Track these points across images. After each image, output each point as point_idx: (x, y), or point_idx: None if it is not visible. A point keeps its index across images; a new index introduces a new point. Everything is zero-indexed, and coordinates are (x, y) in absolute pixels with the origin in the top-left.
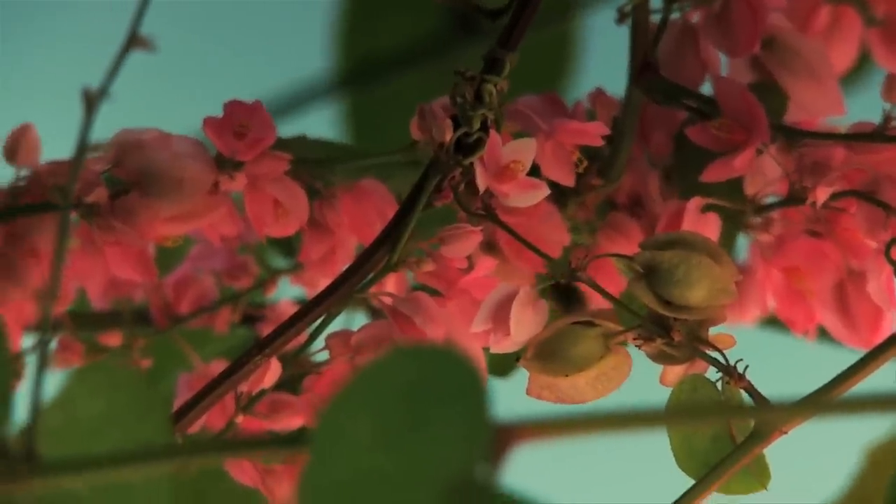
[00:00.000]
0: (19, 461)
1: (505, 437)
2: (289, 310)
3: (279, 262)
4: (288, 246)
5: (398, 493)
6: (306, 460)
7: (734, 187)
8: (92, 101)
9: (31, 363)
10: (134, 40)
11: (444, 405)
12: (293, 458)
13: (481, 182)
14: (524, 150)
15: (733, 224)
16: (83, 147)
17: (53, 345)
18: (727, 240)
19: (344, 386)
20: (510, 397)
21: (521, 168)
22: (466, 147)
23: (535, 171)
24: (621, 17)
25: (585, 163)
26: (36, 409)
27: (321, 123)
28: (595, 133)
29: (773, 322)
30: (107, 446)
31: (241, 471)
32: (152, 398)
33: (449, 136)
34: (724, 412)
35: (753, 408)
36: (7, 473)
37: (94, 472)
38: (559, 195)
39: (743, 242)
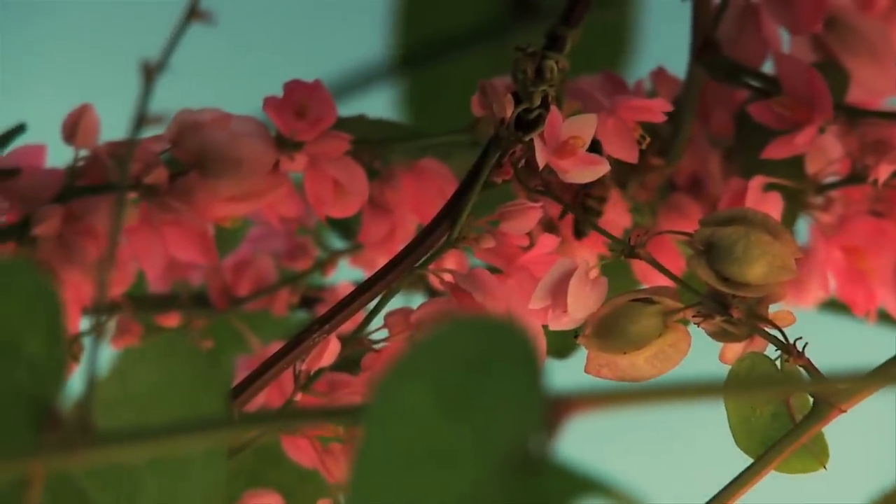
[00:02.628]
0: (75, 433)
1: (561, 408)
2: (347, 292)
3: (338, 243)
4: (347, 227)
5: (456, 462)
6: (362, 430)
7: (795, 167)
8: (150, 74)
9: (87, 344)
10: (193, 13)
11: (502, 376)
12: (351, 437)
13: (541, 158)
14: (584, 126)
15: (795, 204)
16: (141, 120)
17: (111, 325)
18: (788, 220)
19: (401, 356)
20: (567, 379)
21: (580, 144)
22: (526, 123)
23: (597, 150)
24: None
25: (648, 139)
26: (91, 380)
27: (380, 105)
28: (658, 109)
29: (832, 305)
30: (163, 418)
31: (299, 451)
32: (209, 370)
33: (510, 111)
34: (782, 385)
35: (812, 381)
36: (62, 445)
37: (150, 444)
38: (619, 176)
39: (804, 225)
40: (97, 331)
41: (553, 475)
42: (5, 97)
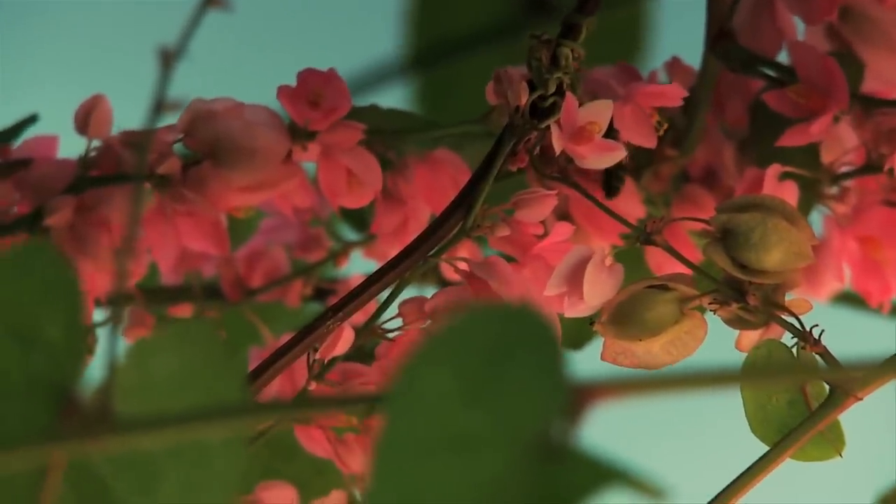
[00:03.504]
0: (94, 420)
1: (583, 395)
2: None
3: (351, 235)
4: (360, 219)
5: (478, 449)
6: (384, 417)
7: (811, 158)
8: (168, 60)
9: (101, 334)
10: (209, 1)
11: (524, 362)
12: (366, 428)
13: (557, 144)
14: (601, 112)
15: (810, 194)
16: (159, 106)
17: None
18: (804, 210)
19: (423, 343)
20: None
21: (597, 129)
22: (541, 111)
23: (613, 139)
24: None
25: (666, 125)
26: (111, 366)
27: (392, 104)
28: (674, 94)
29: (846, 298)
30: (182, 404)
31: (313, 441)
32: (227, 358)
33: (525, 99)
34: (798, 372)
35: (828, 369)
36: (82, 432)
37: (169, 431)
38: (634, 167)
39: (819, 216)
40: (116, 318)
41: (576, 463)
42: (4, 97)
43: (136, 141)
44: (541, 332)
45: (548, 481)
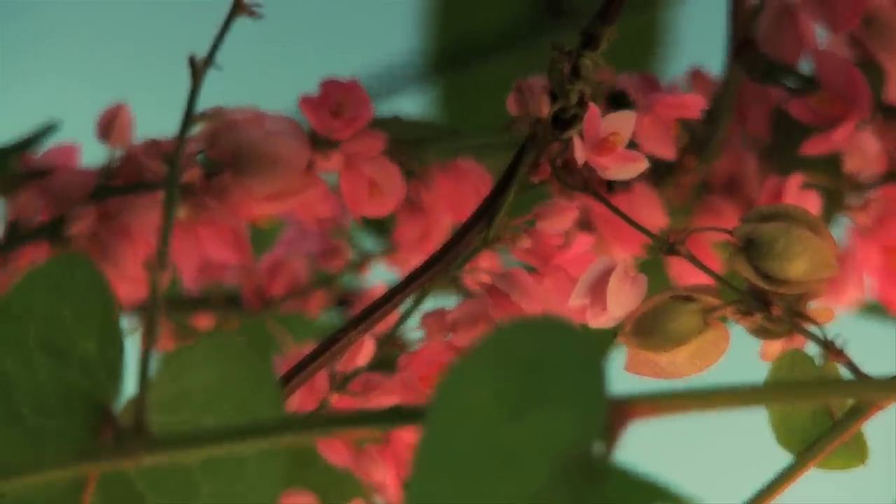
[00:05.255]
0: (130, 434)
1: (622, 412)
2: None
3: (373, 244)
4: (381, 228)
5: (517, 466)
6: (423, 432)
7: (833, 167)
8: (198, 70)
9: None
10: (238, 6)
11: (563, 379)
12: (387, 439)
13: (580, 155)
14: (623, 123)
15: (832, 204)
16: (189, 117)
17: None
18: (826, 219)
19: (462, 358)
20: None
21: (619, 140)
22: (563, 122)
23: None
24: None
25: (686, 137)
26: (144, 381)
27: (413, 108)
28: (694, 105)
29: (868, 308)
30: (217, 418)
31: (334, 451)
32: (263, 369)
33: (546, 110)
34: (826, 387)
35: (854, 383)
36: (117, 447)
37: (205, 446)
38: (655, 177)
39: (842, 226)
40: (151, 331)
41: (617, 481)
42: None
43: (155, 151)
44: (583, 347)
45: (588, 498)
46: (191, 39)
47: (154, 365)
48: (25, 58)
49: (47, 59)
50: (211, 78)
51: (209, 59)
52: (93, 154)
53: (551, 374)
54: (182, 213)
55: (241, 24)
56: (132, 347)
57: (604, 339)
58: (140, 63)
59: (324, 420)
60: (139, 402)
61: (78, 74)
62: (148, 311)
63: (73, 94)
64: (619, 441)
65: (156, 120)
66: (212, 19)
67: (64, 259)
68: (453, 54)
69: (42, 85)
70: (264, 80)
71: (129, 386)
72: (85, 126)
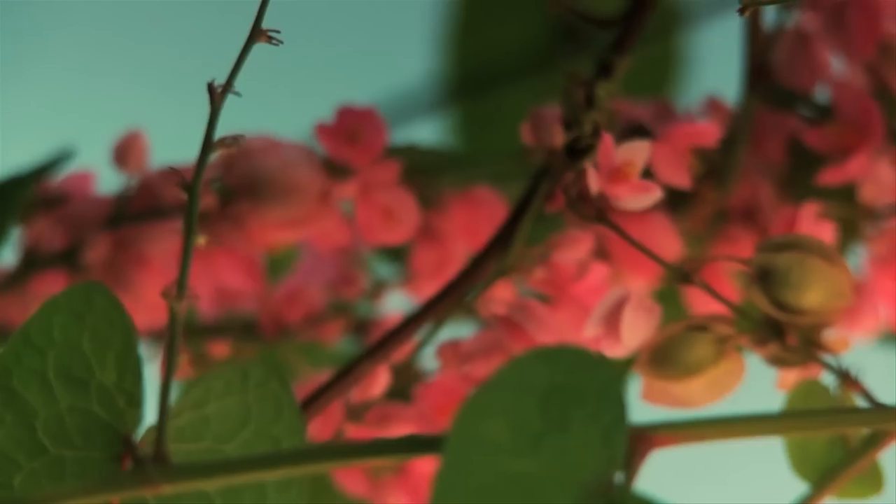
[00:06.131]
0: (150, 464)
1: (641, 441)
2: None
3: (389, 272)
4: (397, 256)
5: (537, 496)
6: (441, 462)
7: (849, 197)
8: (216, 95)
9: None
10: (256, 33)
11: (583, 407)
12: (403, 469)
13: (594, 184)
14: (637, 152)
15: (848, 234)
16: (209, 144)
17: (158, 354)
18: (841, 249)
19: (481, 387)
20: None
21: (634, 170)
22: (577, 152)
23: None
24: (743, 9)
25: (702, 166)
26: (165, 409)
27: (429, 134)
28: (709, 133)
29: (886, 338)
30: (238, 446)
31: (350, 479)
32: (285, 397)
33: (560, 140)
34: (844, 418)
35: (870, 412)
36: (137, 476)
37: (225, 474)
38: (671, 206)
39: (857, 256)
40: (171, 358)
41: None
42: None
43: (171, 178)
44: (602, 375)
45: None
46: (203, 66)
47: (173, 392)
48: (45, 89)
49: (58, 85)
50: (226, 103)
51: (228, 84)
52: (108, 180)
53: (570, 402)
54: (199, 240)
55: (257, 49)
56: (149, 375)
57: (620, 368)
58: (153, 89)
59: (344, 448)
60: (159, 430)
61: (90, 99)
62: (168, 339)
63: (86, 119)
64: (640, 470)
65: (165, 147)
66: (225, 44)
67: (82, 287)
68: (470, 81)
69: (55, 109)
70: (279, 107)
71: (149, 414)
72: (99, 152)
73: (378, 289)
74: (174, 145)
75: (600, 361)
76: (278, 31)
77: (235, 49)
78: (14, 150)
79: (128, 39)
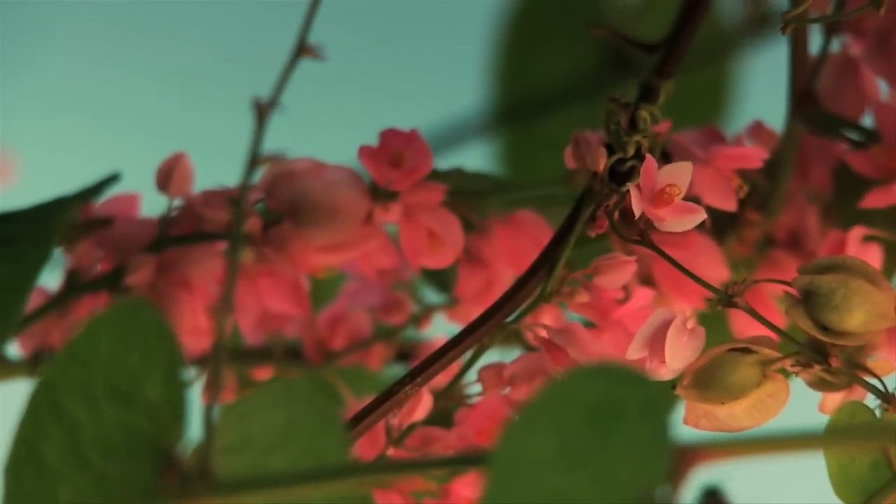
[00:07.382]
0: (195, 479)
1: (686, 458)
2: None
3: (434, 297)
4: (443, 281)
5: None
6: (486, 480)
7: (894, 219)
8: (263, 112)
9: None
10: (302, 48)
11: (626, 424)
12: (445, 493)
13: (637, 207)
14: (680, 174)
15: (894, 257)
16: (254, 160)
17: (202, 378)
18: (887, 272)
19: (526, 405)
20: None
21: (676, 192)
22: (620, 175)
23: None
24: (784, 27)
25: (746, 188)
26: (210, 423)
27: (476, 161)
28: (755, 156)
29: None
30: (284, 461)
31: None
32: (330, 412)
33: (603, 164)
34: (888, 435)
35: None
36: (182, 491)
37: (270, 489)
38: (717, 231)
39: None
40: (217, 372)
41: None
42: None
43: (214, 201)
44: (646, 392)
45: None
46: (210, 69)
47: (217, 412)
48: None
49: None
50: (272, 129)
51: (273, 101)
52: (153, 203)
53: (614, 419)
54: (246, 255)
55: (301, 72)
56: (193, 398)
57: (664, 389)
58: (155, 88)
59: (390, 464)
60: (205, 443)
61: (90, 99)
62: (213, 356)
63: (88, 118)
64: (684, 486)
65: (170, 145)
66: (229, 44)
67: (129, 303)
68: (519, 108)
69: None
70: (323, 131)
71: (193, 431)
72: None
73: (424, 314)
74: (176, 145)
75: (644, 377)
76: (324, 47)
77: (243, 50)
78: (15, 149)
79: (127, 39)
